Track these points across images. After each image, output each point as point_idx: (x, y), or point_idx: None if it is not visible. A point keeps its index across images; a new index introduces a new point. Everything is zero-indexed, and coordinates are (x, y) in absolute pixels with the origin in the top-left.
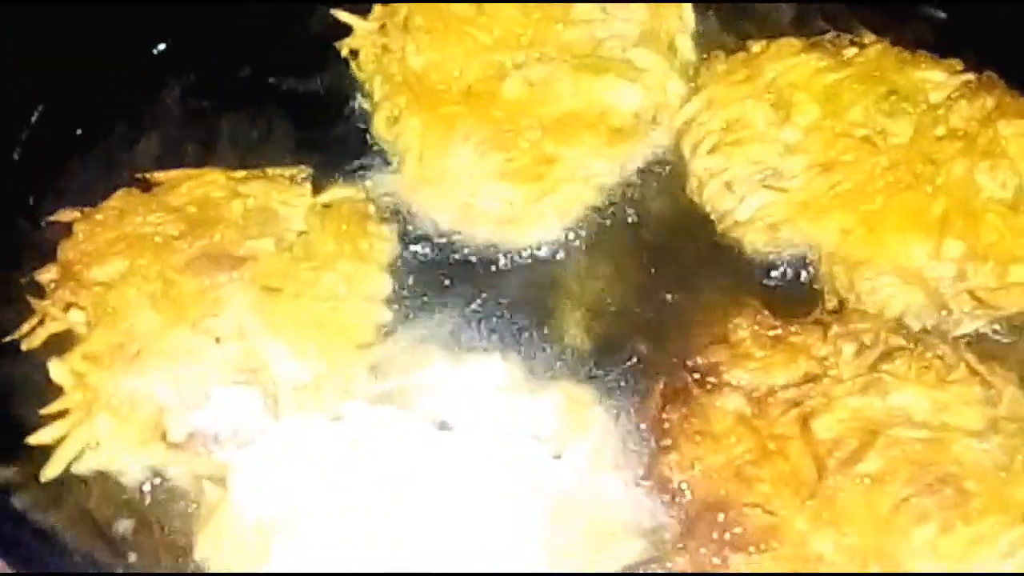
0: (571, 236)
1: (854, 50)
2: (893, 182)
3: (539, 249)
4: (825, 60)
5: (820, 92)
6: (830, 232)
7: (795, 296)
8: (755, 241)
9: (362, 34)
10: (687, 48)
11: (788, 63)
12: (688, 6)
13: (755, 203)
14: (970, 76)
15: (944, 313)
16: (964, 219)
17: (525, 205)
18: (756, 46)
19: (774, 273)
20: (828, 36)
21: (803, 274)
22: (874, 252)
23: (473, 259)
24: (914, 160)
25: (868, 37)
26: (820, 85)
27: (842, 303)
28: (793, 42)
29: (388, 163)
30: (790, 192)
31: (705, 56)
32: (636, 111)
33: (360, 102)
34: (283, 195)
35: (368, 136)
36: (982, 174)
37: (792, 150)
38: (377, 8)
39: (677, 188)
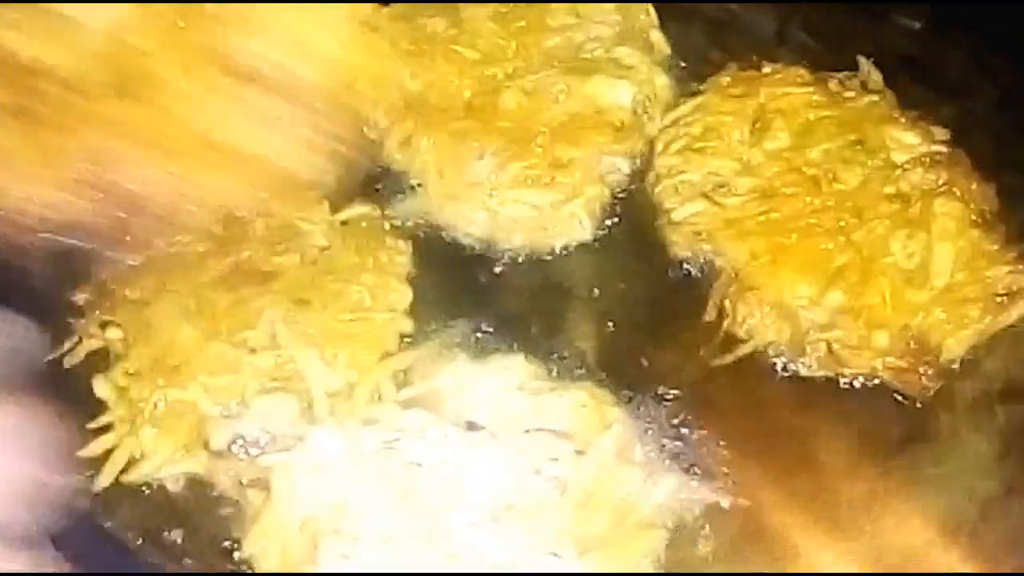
0: (597, 236)
1: (852, 94)
2: (814, 224)
3: (570, 251)
4: (819, 97)
5: (798, 125)
6: (740, 253)
7: (687, 300)
8: (676, 243)
9: None
10: (661, 42)
11: (783, 91)
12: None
13: (691, 209)
14: (941, 148)
15: (799, 354)
16: (858, 276)
17: (552, 210)
18: (768, 67)
19: (677, 275)
20: (841, 75)
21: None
22: (766, 282)
23: (491, 266)
24: (845, 210)
25: (876, 84)
26: (801, 119)
27: (720, 319)
28: (802, 73)
29: (402, 182)
30: (724, 208)
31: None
32: (631, 107)
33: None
34: (303, 213)
35: (376, 156)
36: (897, 241)
37: (747, 171)
38: None
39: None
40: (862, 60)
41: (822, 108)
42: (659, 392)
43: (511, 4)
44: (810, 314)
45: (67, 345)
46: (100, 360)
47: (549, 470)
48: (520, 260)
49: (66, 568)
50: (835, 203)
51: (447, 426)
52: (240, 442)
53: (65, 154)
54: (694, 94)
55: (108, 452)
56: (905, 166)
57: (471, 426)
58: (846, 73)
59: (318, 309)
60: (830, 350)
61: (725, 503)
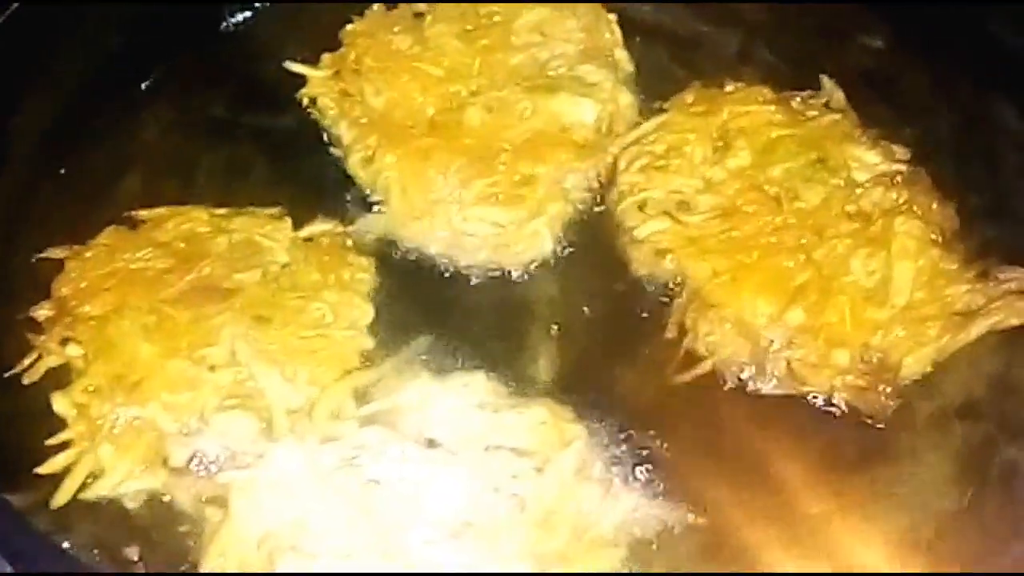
0: (560, 254)
1: (815, 113)
2: (776, 243)
3: (532, 268)
4: (781, 116)
5: (760, 144)
6: (701, 271)
7: (648, 318)
8: (638, 260)
9: (317, 82)
10: (625, 60)
11: (745, 109)
12: (613, 20)
13: (654, 226)
14: (902, 168)
15: (759, 372)
16: (818, 294)
17: (515, 227)
18: (730, 86)
19: (639, 292)
20: (804, 94)
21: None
22: (727, 300)
23: (453, 284)
24: (805, 228)
25: (838, 103)
26: (764, 137)
27: (681, 336)
28: (765, 92)
29: (365, 199)
30: (686, 226)
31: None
32: (594, 124)
33: (326, 142)
34: (265, 229)
35: (341, 174)
36: (857, 259)
37: (709, 189)
38: (326, 56)
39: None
40: (824, 79)
41: (784, 127)
42: (619, 409)
43: (476, 21)
44: (770, 332)
45: (26, 361)
46: (59, 377)
47: (508, 487)
48: (483, 277)
49: None
50: (796, 221)
51: (407, 443)
52: (199, 459)
53: None
54: (657, 112)
55: (67, 469)
56: (866, 185)
57: (431, 443)
58: (808, 92)
59: (279, 326)
60: (790, 368)
61: (684, 520)
